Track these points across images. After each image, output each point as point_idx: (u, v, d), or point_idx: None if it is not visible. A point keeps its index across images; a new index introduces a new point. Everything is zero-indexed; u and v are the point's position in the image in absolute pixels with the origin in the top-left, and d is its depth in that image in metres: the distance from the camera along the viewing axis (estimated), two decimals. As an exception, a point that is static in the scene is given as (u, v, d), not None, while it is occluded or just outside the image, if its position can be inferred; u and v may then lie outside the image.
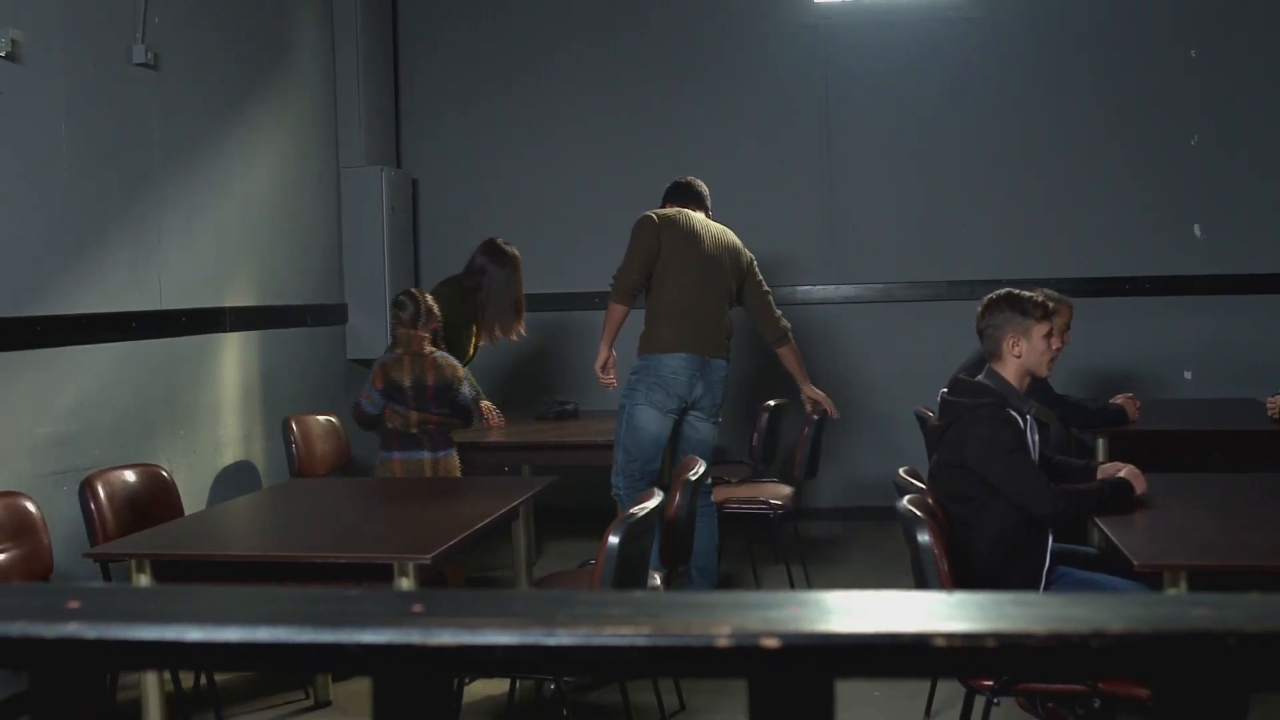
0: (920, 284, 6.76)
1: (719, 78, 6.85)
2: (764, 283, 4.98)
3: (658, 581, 3.69)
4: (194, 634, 0.68)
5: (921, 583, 2.86)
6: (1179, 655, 0.65)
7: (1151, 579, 2.94)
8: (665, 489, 3.57)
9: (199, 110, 5.13)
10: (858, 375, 6.77)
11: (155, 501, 3.88)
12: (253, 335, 5.53)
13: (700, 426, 4.79)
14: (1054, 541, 3.27)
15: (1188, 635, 0.65)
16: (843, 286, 6.82)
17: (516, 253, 5.38)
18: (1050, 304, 3.46)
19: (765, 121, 6.83)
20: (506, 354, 6.66)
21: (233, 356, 5.36)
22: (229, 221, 5.36)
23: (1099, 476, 3.37)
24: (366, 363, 5.79)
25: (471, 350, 5.43)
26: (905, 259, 6.77)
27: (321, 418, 5.13)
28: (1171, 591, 2.74)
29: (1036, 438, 3.37)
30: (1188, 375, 6.59)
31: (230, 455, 5.30)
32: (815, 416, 5.24)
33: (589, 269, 6.61)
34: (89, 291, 4.35)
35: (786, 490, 5.31)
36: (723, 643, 0.66)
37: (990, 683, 2.80)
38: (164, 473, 4.05)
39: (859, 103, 6.77)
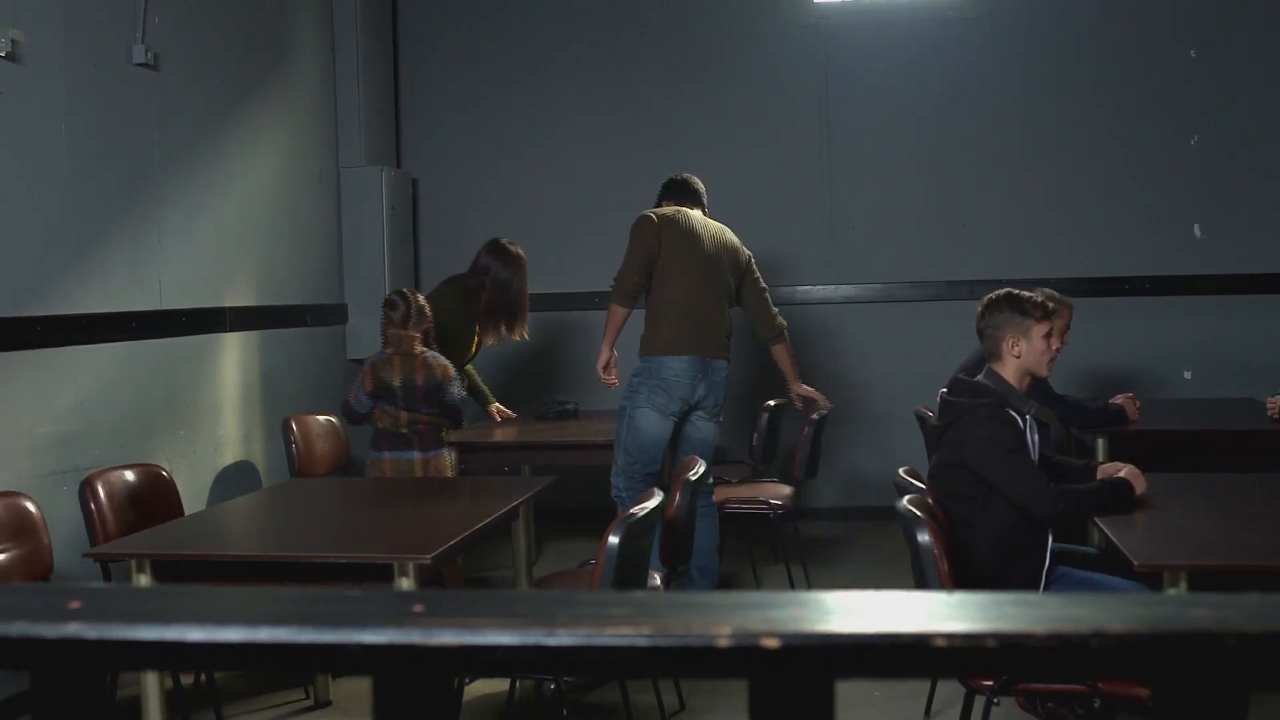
0: (920, 284, 6.76)
1: (719, 78, 6.85)
2: (761, 279, 4.98)
3: (658, 581, 3.69)
4: (195, 634, 0.68)
5: (921, 583, 2.86)
6: (1179, 655, 0.65)
7: (1151, 579, 2.94)
8: (665, 489, 3.57)
9: (199, 110, 5.13)
10: (858, 375, 6.77)
11: (155, 501, 3.88)
12: (253, 335, 5.53)
13: (702, 426, 4.79)
14: (1054, 541, 3.27)
15: (1188, 635, 0.65)
16: (843, 286, 6.83)
17: (521, 253, 5.38)
18: (1050, 304, 3.46)
19: (765, 121, 6.83)
20: (507, 354, 6.66)
21: (233, 356, 5.36)
22: (229, 221, 5.36)
23: (1099, 476, 3.37)
24: (366, 363, 5.79)
25: (473, 350, 5.43)
26: (905, 259, 6.77)
27: (321, 418, 5.13)
28: (1171, 591, 2.74)
29: (1036, 438, 3.37)
30: (1187, 375, 6.59)
31: (230, 455, 5.30)
32: (814, 416, 5.24)
33: (589, 269, 6.62)
34: (89, 291, 4.35)
35: (786, 490, 5.31)
36: (723, 643, 0.66)
37: (990, 683, 2.80)
38: (164, 473, 4.05)
39: (859, 103, 6.77)
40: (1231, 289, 6.54)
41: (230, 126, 5.41)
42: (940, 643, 0.66)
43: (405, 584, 3.06)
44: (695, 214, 4.84)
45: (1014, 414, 3.27)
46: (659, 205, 4.98)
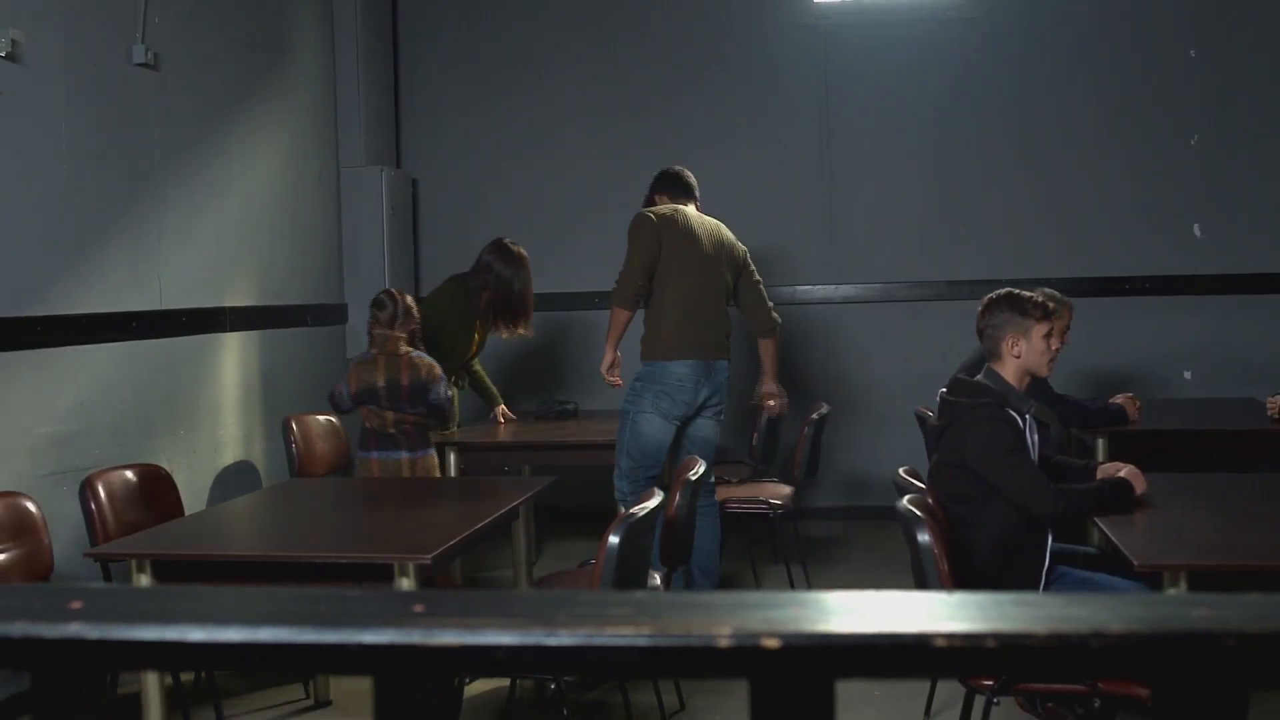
0: (920, 284, 6.76)
1: (719, 78, 6.85)
2: (756, 274, 4.96)
3: (658, 581, 3.69)
4: (196, 634, 0.68)
5: (921, 583, 2.86)
6: (1179, 655, 0.65)
7: (1151, 579, 2.94)
8: (666, 489, 3.57)
9: (199, 110, 5.13)
10: (857, 375, 6.77)
11: (155, 501, 3.89)
12: (253, 335, 5.53)
13: (704, 425, 4.79)
14: (1054, 541, 3.27)
15: (1188, 635, 0.65)
16: (843, 286, 6.83)
17: (524, 253, 5.38)
18: (1050, 305, 3.46)
19: (765, 121, 6.83)
20: (507, 354, 6.67)
21: (233, 356, 5.36)
22: (229, 221, 5.36)
23: (1099, 476, 3.37)
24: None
25: (474, 349, 5.43)
26: (905, 259, 6.77)
27: (321, 418, 5.13)
28: (1171, 591, 2.74)
29: (1036, 438, 3.37)
30: (1187, 375, 6.59)
31: (230, 455, 5.30)
32: (814, 415, 5.24)
33: (589, 268, 6.62)
34: (89, 291, 4.35)
35: (786, 490, 5.31)
36: (724, 643, 0.66)
37: (990, 683, 2.80)
38: (164, 473, 4.05)
39: (859, 103, 6.77)
40: (1231, 289, 6.54)
41: (230, 126, 5.41)
42: (940, 643, 0.66)
43: (405, 584, 3.06)
44: (692, 212, 4.83)
45: (1014, 414, 3.27)
46: (651, 197, 4.96)
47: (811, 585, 5.32)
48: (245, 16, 5.60)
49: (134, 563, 3.23)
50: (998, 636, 0.66)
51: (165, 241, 4.83)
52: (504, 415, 5.63)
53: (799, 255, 6.80)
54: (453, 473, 5.00)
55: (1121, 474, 3.28)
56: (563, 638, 0.67)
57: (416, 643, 0.67)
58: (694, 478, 3.59)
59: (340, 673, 0.69)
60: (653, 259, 4.66)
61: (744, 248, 4.95)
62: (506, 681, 3.88)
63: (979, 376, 3.38)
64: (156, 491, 3.92)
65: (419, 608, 0.70)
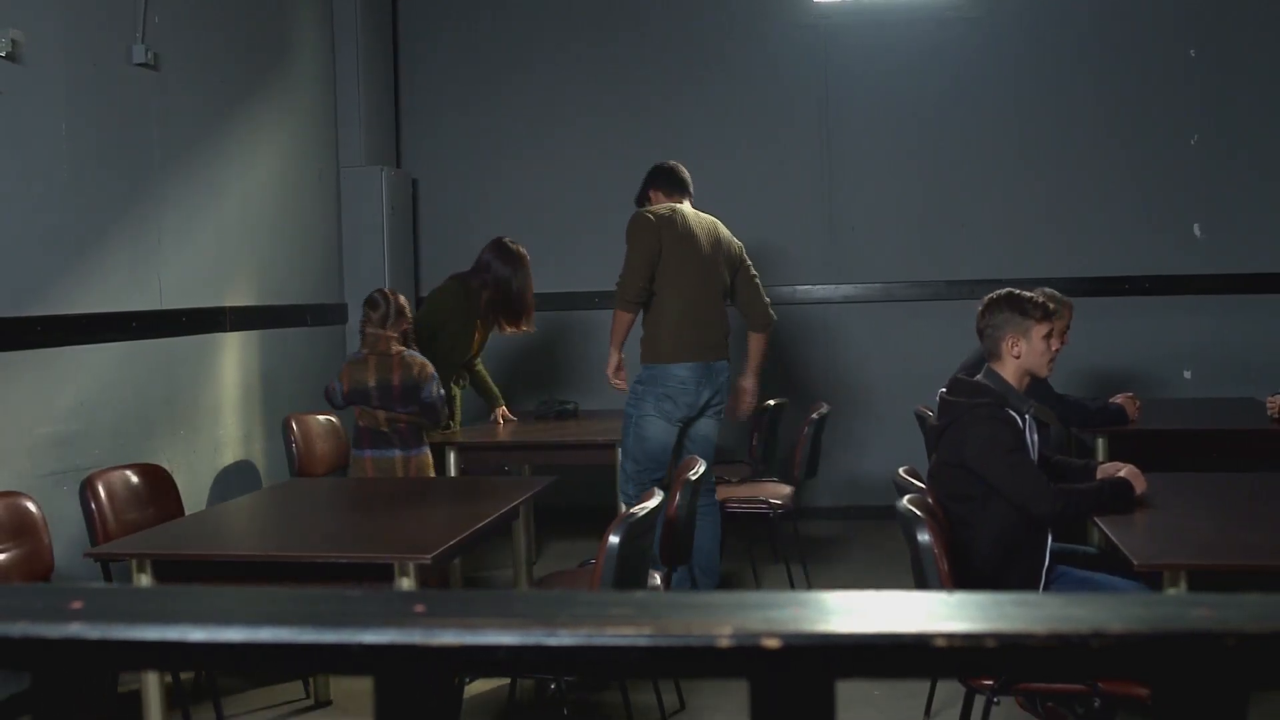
0: (920, 284, 6.76)
1: (719, 78, 6.85)
2: (752, 267, 4.96)
3: (658, 581, 3.70)
4: (197, 634, 0.68)
5: (921, 583, 2.86)
6: (1179, 655, 0.66)
7: (1151, 579, 2.94)
8: (666, 489, 3.58)
9: (199, 110, 5.13)
10: (857, 375, 6.77)
11: (156, 501, 3.89)
12: (253, 335, 5.53)
13: (704, 425, 4.79)
14: (1054, 541, 3.27)
15: (1187, 635, 0.65)
16: (842, 286, 6.83)
17: (524, 251, 5.38)
18: (1051, 305, 3.45)
19: (765, 121, 6.83)
20: (507, 353, 6.67)
21: (233, 356, 5.36)
22: (229, 221, 5.36)
23: (1099, 476, 3.37)
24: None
25: (474, 348, 5.44)
26: (905, 259, 6.77)
27: (321, 417, 5.13)
28: (1171, 591, 2.74)
29: (1035, 437, 3.37)
30: (1187, 375, 6.60)
31: (230, 455, 5.30)
32: (814, 415, 5.24)
33: (589, 268, 6.62)
34: (89, 291, 4.35)
35: (786, 490, 5.31)
36: (724, 643, 0.66)
37: (990, 683, 2.80)
38: (164, 473, 4.05)
39: (859, 103, 6.77)
40: (1231, 289, 6.54)
41: (230, 126, 5.41)
42: (940, 643, 0.66)
43: (406, 584, 3.06)
44: (689, 210, 4.81)
45: (1013, 414, 3.27)
46: (645, 193, 4.95)
47: (811, 585, 5.32)
48: (245, 16, 5.60)
49: (134, 563, 3.23)
50: (998, 636, 0.66)
51: (165, 241, 4.83)
52: (504, 416, 5.64)
53: (799, 255, 6.80)
54: (453, 472, 5.00)
55: (1121, 474, 3.28)
56: (563, 638, 0.67)
57: (417, 643, 0.67)
58: (694, 477, 3.59)
59: (341, 673, 0.69)
60: (653, 259, 4.65)
61: (740, 243, 4.95)
62: (506, 681, 3.88)
63: (979, 376, 3.38)
64: (156, 491, 3.92)
65: (419, 608, 0.70)
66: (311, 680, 4.04)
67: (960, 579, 2.95)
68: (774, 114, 6.83)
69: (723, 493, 5.13)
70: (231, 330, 5.33)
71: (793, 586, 5.29)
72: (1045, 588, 3.21)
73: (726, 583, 5.31)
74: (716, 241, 4.81)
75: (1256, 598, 0.69)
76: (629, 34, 6.91)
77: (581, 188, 6.92)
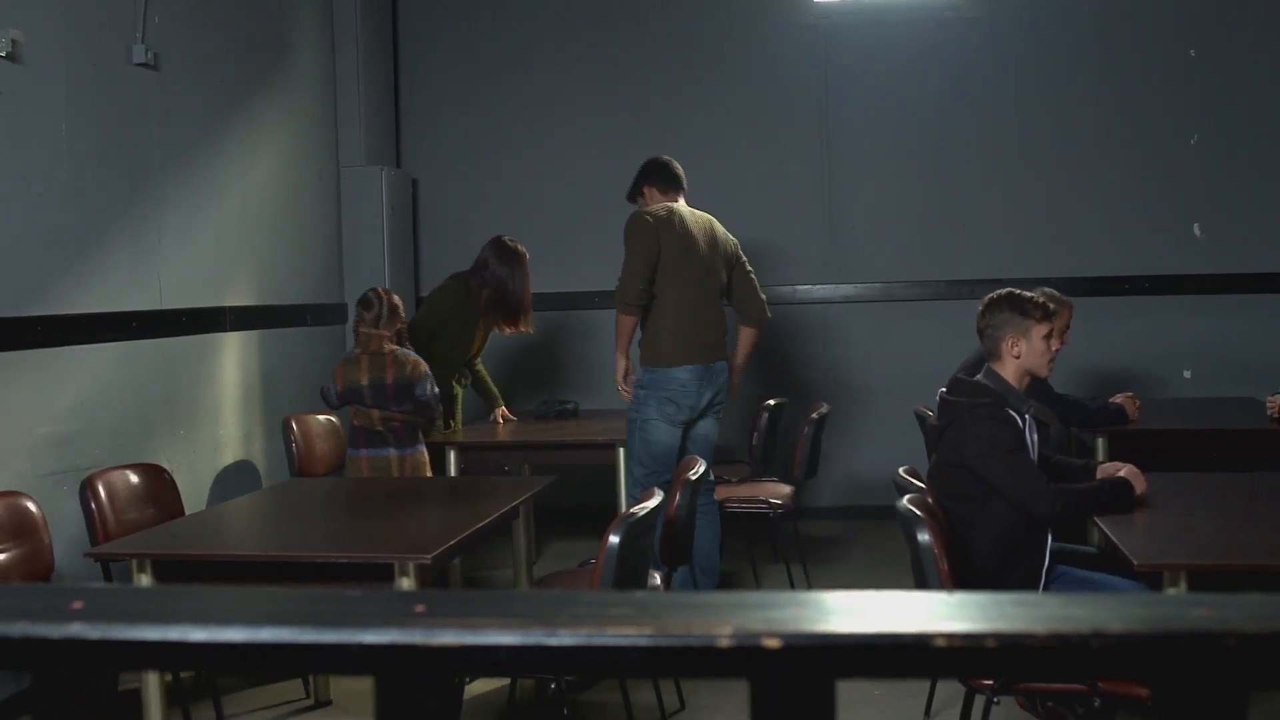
0: (920, 284, 6.76)
1: (719, 78, 6.85)
2: (747, 263, 4.95)
3: (658, 581, 3.70)
4: (197, 634, 0.68)
5: (921, 582, 2.86)
6: (1179, 655, 0.66)
7: (1151, 579, 2.94)
8: (666, 488, 3.58)
9: (199, 110, 5.13)
10: (857, 375, 6.77)
11: (156, 501, 3.89)
12: (253, 335, 5.53)
13: (705, 425, 4.80)
14: (1054, 541, 3.27)
15: (1187, 635, 0.65)
16: (842, 286, 6.83)
17: (522, 250, 5.38)
18: (1050, 305, 3.45)
19: (765, 121, 6.83)
20: (507, 352, 6.67)
21: (233, 356, 5.36)
22: (229, 221, 5.36)
23: (1099, 476, 3.37)
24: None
25: (475, 347, 5.44)
26: (905, 259, 6.77)
27: (321, 417, 5.13)
28: (1171, 591, 2.74)
29: (1035, 437, 3.37)
30: (1187, 374, 6.60)
31: (230, 455, 5.30)
32: (814, 415, 5.23)
33: (589, 268, 6.62)
34: (89, 291, 4.35)
35: (786, 490, 5.31)
36: (724, 643, 0.66)
37: (990, 682, 2.80)
38: (164, 473, 4.05)
39: (859, 103, 6.77)
40: (1231, 289, 6.54)
41: (230, 126, 5.41)
42: (940, 643, 0.66)
43: (406, 584, 3.06)
44: (685, 209, 4.80)
45: (1013, 414, 3.27)
46: (639, 189, 4.93)
47: (811, 585, 5.32)
48: (245, 16, 5.60)
49: (134, 563, 3.23)
50: (998, 636, 0.66)
51: (165, 241, 4.83)
52: (503, 416, 5.64)
53: (799, 255, 6.80)
54: (453, 472, 5.00)
55: (1121, 473, 3.28)
56: (563, 638, 0.67)
57: (417, 643, 0.67)
58: (694, 477, 3.59)
59: (341, 673, 0.69)
60: (653, 261, 4.64)
61: (735, 240, 4.94)
62: (507, 681, 3.88)
63: (979, 376, 3.38)
64: (156, 491, 3.92)
65: (420, 608, 0.70)
66: (311, 680, 4.04)
67: (960, 579, 2.95)
68: (774, 114, 6.83)
69: (723, 492, 5.13)
70: (231, 330, 5.33)
71: (793, 586, 5.29)
72: (1045, 588, 3.21)
73: (726, 583, 5.31)
74: (713, 240, 4.81)
75: (1256, 598, 0.69)
76: (629, 34, 6.91)
77: (581, 188, 6.92)
